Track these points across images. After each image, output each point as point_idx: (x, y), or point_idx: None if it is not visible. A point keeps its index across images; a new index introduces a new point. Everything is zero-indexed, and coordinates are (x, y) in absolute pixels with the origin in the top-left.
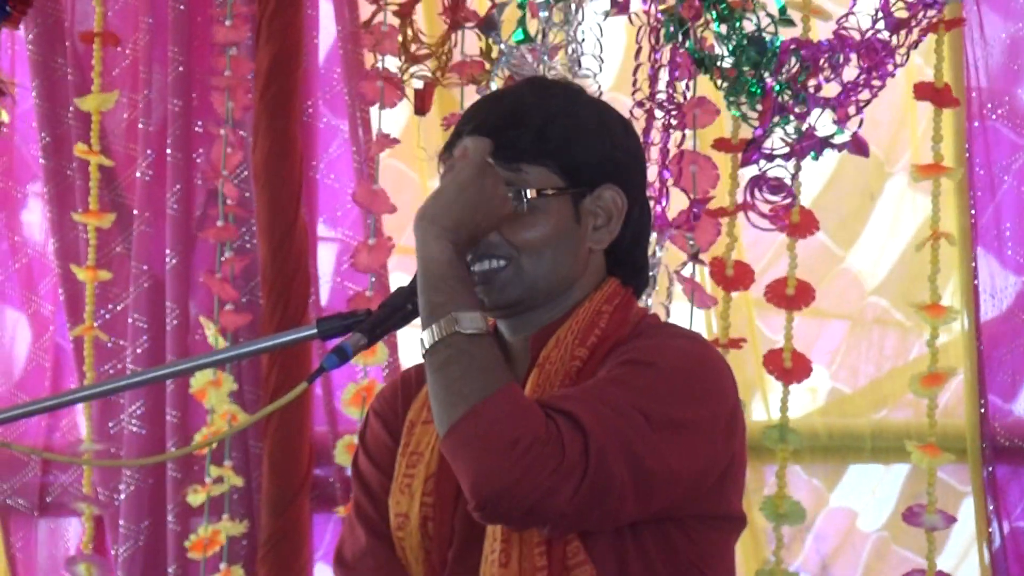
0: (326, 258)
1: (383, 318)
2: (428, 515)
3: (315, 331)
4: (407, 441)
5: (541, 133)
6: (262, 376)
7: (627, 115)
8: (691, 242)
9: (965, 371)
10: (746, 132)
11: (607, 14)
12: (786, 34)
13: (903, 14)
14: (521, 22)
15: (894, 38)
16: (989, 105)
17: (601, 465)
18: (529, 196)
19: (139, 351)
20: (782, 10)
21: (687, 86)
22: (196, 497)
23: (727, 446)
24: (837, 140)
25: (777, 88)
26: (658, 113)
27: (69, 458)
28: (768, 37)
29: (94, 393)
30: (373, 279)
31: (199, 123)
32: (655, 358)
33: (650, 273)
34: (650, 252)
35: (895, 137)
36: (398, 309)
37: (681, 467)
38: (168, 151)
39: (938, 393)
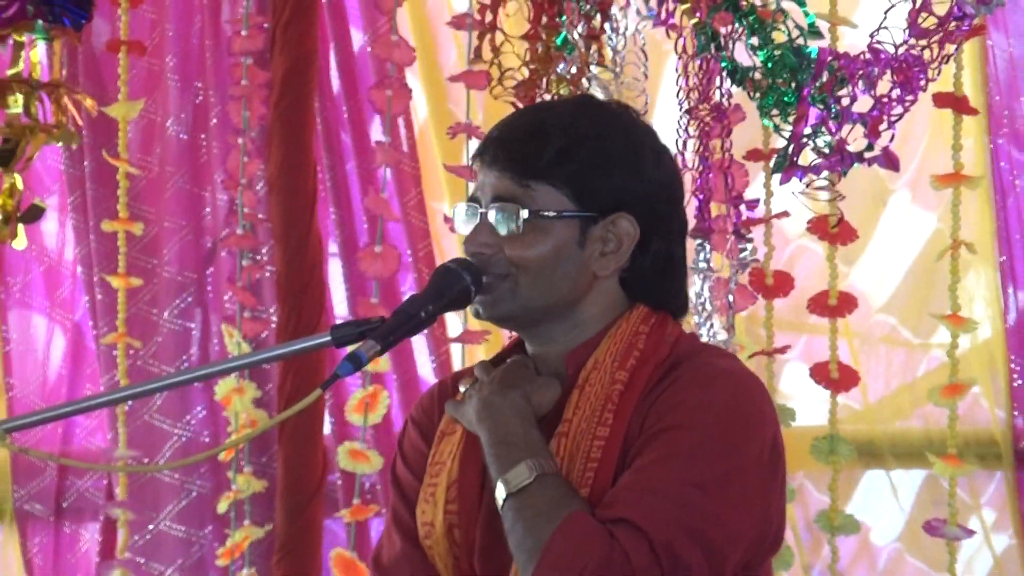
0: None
1: (396, 326)
2: (453, 522)
3: (329, 338)
4: (434, 451)
5: (560, 155)
6: (277, 383)
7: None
8: (748, 247)
9: (998, 377)
10: (776, 140)
11: (646, 18)
12: (814, 45)
13: (932, 25)
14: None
15: (926, 52)
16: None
17: (673, 560)
18: (524, 216)
19: (151, 355)
20: (811, 23)
21: (723, 93)
22: (223, 504)
23: (774, 476)
24: (868, 155)
25: (812, 99)
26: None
27: (87, 464)
28: (805, 47)
29: (116, 398)
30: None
31: (203, 136)
32: (684, 419)
33: (705, 279)
34: (694, 261)
35: (897, 152)
36: (411, 317)
37: (744, 522)
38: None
39: (958, 404)
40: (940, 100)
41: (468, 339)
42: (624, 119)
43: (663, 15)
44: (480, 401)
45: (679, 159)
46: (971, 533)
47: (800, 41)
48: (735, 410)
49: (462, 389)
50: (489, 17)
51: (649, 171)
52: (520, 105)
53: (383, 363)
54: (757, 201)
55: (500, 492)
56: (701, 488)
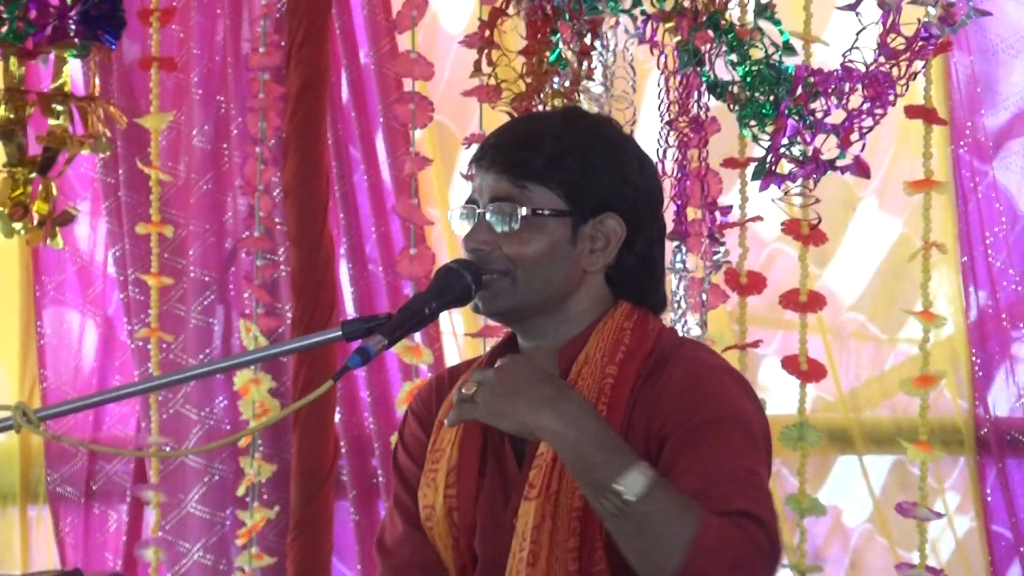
0: None
1: (402, 322)
2: (452, 506)
3: (340, 333)
4: (434, 439)
5: (553, 159)
6: (292, 374)
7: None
8: (721, 250)
9: (960, 369)
10: (751, 150)
11: (637, 39)
12: (789, 61)
13: (900, 45)
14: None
15: (895, 70)
16: (969, 123)
17: (779, 543)
18: (523, 214)
19: (180, 348)
20: (785, 41)
21: (701, 106)
22: (242, 487)
23: None
24: (840, 163)
25: (788, 111)
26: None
27: (115, 450)
28: (780, 63)
29: (143, 388)
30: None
31: (224, 146)
32: (725, 411)
33: (680, 279)
34: (671, 261)
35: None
36: (416, 314)
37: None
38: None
39: (930, 394)
40: (912, 112)
41: (488, 333)
42: (607, 129)
43: (648, 33)
44: (544, 405)
45: (659, 166)
46: (940, 515)
47: (776, 57)
48: (747, 402)
49: (466, 391)
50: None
51: (633, 176)
52: (516, 115)
53: (427, 355)
54: (730, 207)
55: (616, 498)
56: (758, 475)
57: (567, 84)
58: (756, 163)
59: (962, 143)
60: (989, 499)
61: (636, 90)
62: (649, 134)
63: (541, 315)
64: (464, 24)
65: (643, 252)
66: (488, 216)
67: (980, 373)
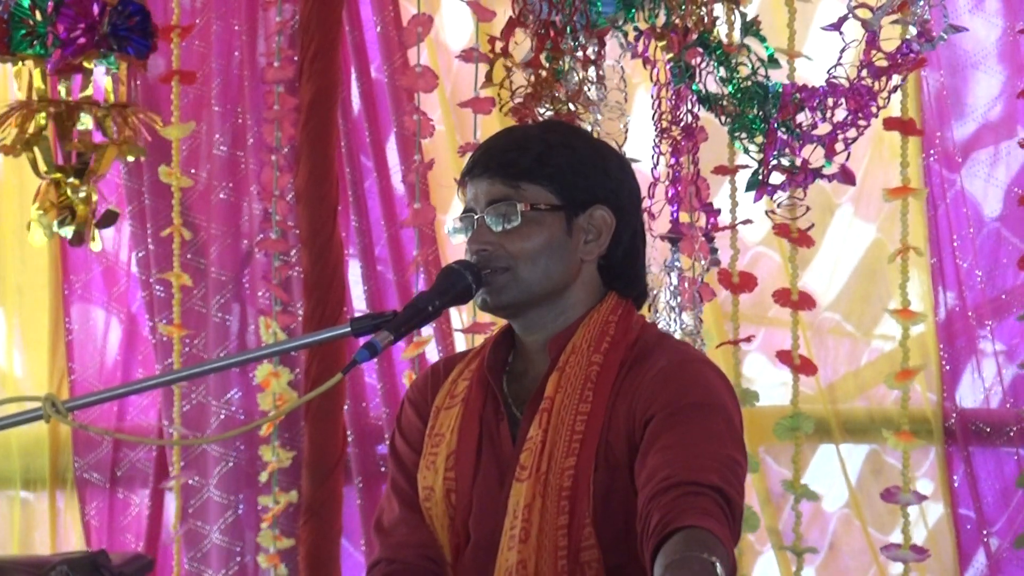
0: None
1: (407, 318)
2: (451, 487)
3: (348, 329)
4: (433, 424)
5: (541, 158)
6: (304, 368)
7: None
8: (712, 249)
9: (930, 365)
10: (739, 157)
11: (630, 52)
12: (774, 75)
13: (883, 63)
14: (549, 59)
15: (876, 84)
16: (938, 134)
17: (740, 525)
18: (522, 209)
19: (202, 344)
20: (770, 55)
21: (690, 116)
22: (264, 475)
23: None
24: (826, 171)
25: (778, 125)
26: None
27: (138, 438)
28: (767, 80)
29: (164, 380)
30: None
31: (241, 153)
32: (711, 399)
33: (671, 279)
34: (668, 260)
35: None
36: (420, 311)
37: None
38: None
39: (910, 386)
40: (889, 124)
41: (476, 330)
42: (584, 133)
43: (639, 49)
44: None
45: (652, 173)
46: (924, 497)
47: (762, 72)
48: (728, 395)
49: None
50: (499, 46)
51: (614, 170)
52: (517, 123)
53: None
54: (719, 210)
55: None
56: (735, 461)
57: (567, 94)
58: (750, 174)
59: (932, 152)
60: (956, 485)
61: (628, 100)
62: (637, 145)
63: (542, 306)
64: (463, 41)
65: (629, 244)
66: (487, 219)
67: (948, 368)
